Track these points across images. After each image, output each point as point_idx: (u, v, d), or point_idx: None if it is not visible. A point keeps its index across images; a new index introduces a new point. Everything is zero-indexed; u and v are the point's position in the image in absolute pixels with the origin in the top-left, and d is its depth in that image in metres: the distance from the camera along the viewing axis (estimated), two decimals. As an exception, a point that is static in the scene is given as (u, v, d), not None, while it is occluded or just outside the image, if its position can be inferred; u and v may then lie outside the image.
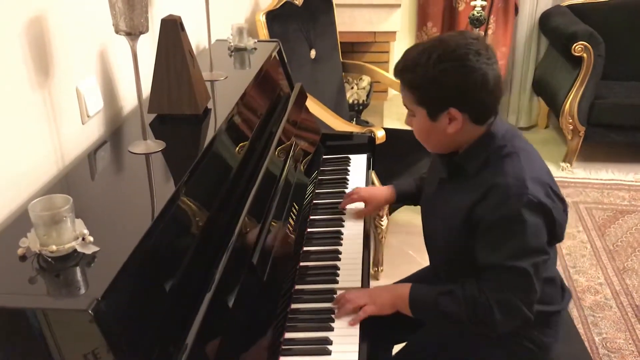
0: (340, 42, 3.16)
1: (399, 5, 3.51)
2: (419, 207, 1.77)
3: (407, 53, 1.27)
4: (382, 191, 1.67)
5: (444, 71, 1.19)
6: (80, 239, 0.87)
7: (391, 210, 2.50)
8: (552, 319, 1.39)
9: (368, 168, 1.99)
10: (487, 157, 1.26)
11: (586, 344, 2.11)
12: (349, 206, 1.71)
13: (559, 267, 2.61)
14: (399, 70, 1.28)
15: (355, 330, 1.27)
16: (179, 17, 1.35)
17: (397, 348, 1.58)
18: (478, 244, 1.25)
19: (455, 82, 1.20)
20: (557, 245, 1.39)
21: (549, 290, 1.36)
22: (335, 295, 1.36)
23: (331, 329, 1.27)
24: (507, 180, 1.20)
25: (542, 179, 1.23)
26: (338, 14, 3.15)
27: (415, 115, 1.29)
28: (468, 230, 1.26)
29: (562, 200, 1.27)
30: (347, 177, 1.91)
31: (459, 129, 1.25)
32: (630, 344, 2.22)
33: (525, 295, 1.22)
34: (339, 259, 1.49)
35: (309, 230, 1.62)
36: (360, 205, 1.70)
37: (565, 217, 1.29)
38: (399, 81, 1.29)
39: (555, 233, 1.25)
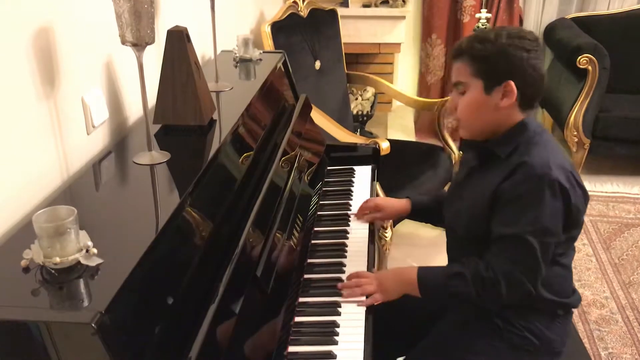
0: (345, 54, 3.17)
1: (403, 17, 3.52)
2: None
3: (472, 34, 1.37)
4: (398, 202, 1.70)
5: (512, 45, 1.29)
6: (84, 251, 0.87)
7: (395, 222, 2.49)
8: (559, 314, 1.40)
9: (372, 179, 1.98)
10: (518, 144, 1.33)
11: (592, 359, 2.09)
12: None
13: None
14: (465, 44, 1.34)
15: (360, 344, 1.25)
16: (185, 28, 1.35)
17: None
18: (495, 217, 1.32)
19: (519, 57, 1.29)
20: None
21: (561, 280, 1.40)
22: (339, 309, 1.35)
23: (335, 343, 1.25)
24: (533, 160, 1.28)
25: (564, 165, 1.30)
26: (343, 25, 3.16)
27: (467, 91, 1.34)
28: (491, 207, 1.32)
29: (582, 188, 1.33)
30: (352, 188, 1.90)
31: (509, 105, 1.32)
32: (636, 359, 2.20)
33: (528, 270, 1.28)
34: (343, 272, 1.48)
35: (313, 242, 1.61)
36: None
37: (584, 205, 1.34)
38: (455, 59, 1.35)
39: (573, 218, 1.31)
